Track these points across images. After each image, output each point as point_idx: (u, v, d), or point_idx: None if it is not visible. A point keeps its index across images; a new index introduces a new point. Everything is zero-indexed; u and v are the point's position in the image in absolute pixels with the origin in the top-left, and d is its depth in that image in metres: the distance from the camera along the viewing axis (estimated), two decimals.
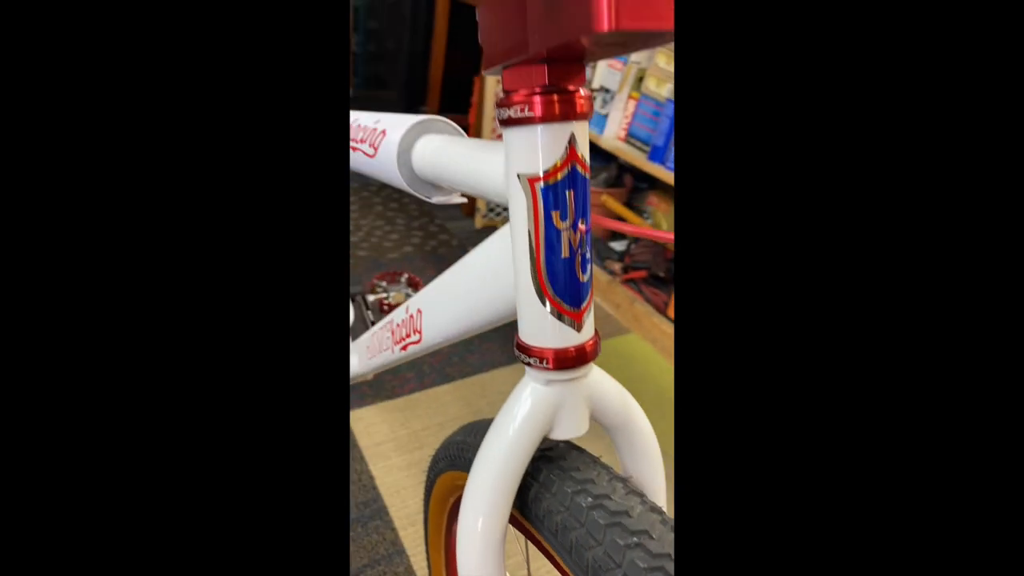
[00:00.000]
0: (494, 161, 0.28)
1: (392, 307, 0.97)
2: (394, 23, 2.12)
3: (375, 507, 0.90)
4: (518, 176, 0.25)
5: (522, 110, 0.24)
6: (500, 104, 0.25)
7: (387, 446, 1.02)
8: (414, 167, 0.37)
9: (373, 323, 0.92)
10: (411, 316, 0.48)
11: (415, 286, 1.01)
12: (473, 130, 1.80)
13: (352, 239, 1.70)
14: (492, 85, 1.64)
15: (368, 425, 1.06)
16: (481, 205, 1.75)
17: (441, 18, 1.88)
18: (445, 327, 0.41)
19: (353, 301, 0.96)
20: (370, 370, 0.65)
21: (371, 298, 0.96)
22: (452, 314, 0.39)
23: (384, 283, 0.99)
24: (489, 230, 1.76)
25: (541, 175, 0.25)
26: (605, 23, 0.17)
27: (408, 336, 0.49)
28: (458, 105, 2.05)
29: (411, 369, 1.20)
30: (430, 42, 1.95)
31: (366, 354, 0.64)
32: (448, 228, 1.77)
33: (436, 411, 1.12)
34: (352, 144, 0.44)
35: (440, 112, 2.11)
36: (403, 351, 0.51)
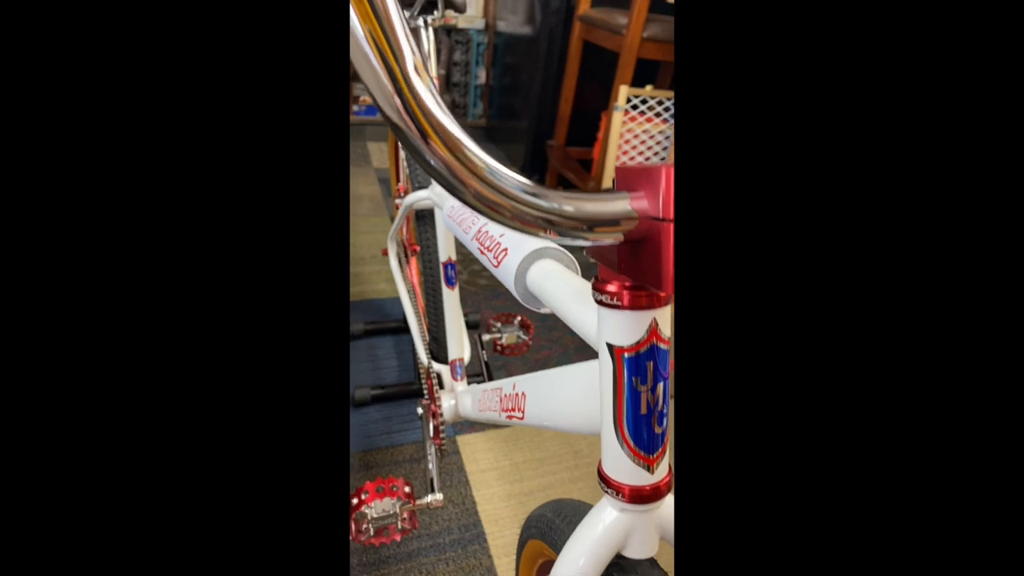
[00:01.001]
0: (592, 311, 0.34)
1: (505, 348, 1.05)
2: (529, 59, 2.23)
3: (475, 532, 0.98)
4: (607, 344, 0.30)
5: (612, 299, 0.29)
6: (595, 287, 0.30)
7: (490, 474, 1.11)
8: (528, 286, 0.43)
9: (487, 364, 1.01)
10: (517, 395, 0.54)
11: (527, 328, 1.08)
12: (596, 165, 1.84)
13: (475, 267, 1.84)
14: (618, 124, 1.68)
15: (475, 451, 1.15)
16: None
17: (574, 56, 1.95)
18: (543, 419, 0.47)
19: (469, 337, 1.05)
20: (478, 419, 0.73)
21: (486, 337, 1.05)
22: (550, 411, 0.45)
23: (499, 324, 1.07)
24: None
25: (625, 348, 0.30)
26: (668, 289, 0.22)
27: (513, 410, 0.55)
28: (584, 138, 2.11)
29: None
30: (562, 78, 2.03)
31: (478, 404, 0.72)
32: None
33: (537, 446, 1.18)
34: (481, 249, 0.52)
35: (566, 144, 2.19)
36: (507, 419, 0.58)
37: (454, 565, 0.93)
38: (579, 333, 0.36)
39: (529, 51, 2.23)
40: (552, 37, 2.04)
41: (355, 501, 0.71)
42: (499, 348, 1.05)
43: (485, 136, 2.87)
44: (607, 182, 1.72)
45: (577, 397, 0.39)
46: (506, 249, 0.46)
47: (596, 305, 0.31)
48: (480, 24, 2.45)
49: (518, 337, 1.07)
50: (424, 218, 0.94)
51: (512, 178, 0.22)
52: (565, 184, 2.25)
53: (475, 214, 0.61)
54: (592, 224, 0.22)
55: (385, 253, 1.24)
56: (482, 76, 2.54)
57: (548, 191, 0.22)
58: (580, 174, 1.96)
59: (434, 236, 0.92)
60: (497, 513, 1.02)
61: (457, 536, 0.97)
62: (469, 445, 1.17)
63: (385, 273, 1.63)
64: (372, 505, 0.71)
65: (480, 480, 1.09)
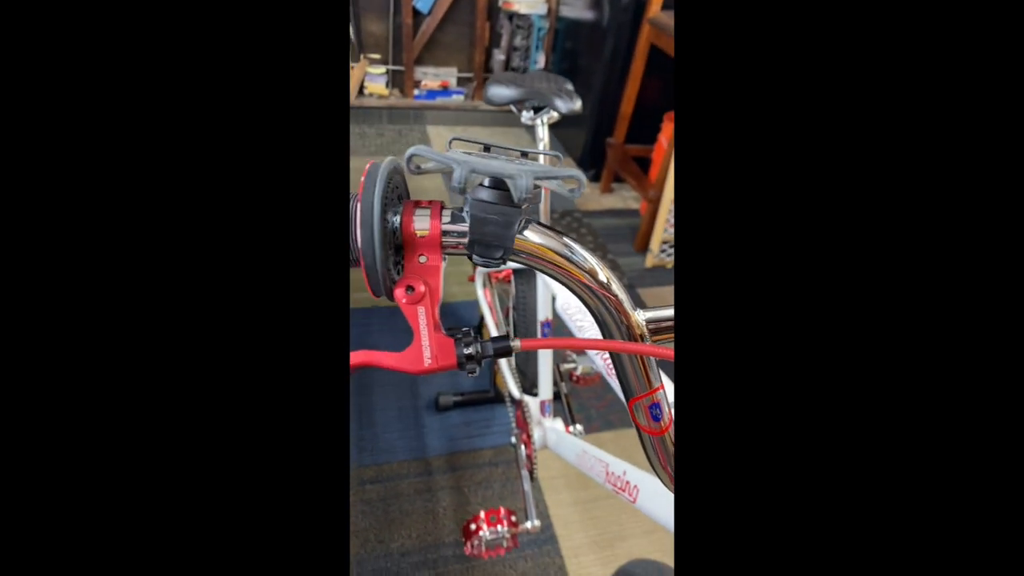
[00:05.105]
0: None
1: (580, 379, 1.18)
2: (591, 45, 2.23)
3: (548, 534, 1.15)
4: None
5: None
6: None
7: (559, 481, 1.27)
8: None
9: (567, 397, 1.14)
10: (628, 482, 0.67)
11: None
12: (659, 169, 1.89)
13: None
14: None
15: (546, 458, 1.31)
16: (654, 246, 1.86)
17: (640, 58, 1.95)
18: (661, 520, 0.60)
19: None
20: (567, 461, 0.87)
21: (564, 367, 1.18)
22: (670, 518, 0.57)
23: (575, 355, 1.20)
24: (658, 270, 1.88)
25: None
26: None
27: (622, 491, 0.68)
28: (644, 136, 2.14)
29: (580, 411, 1.42)
30: (626, 78, 2.04)
31: (574, 457, 0.85)
32: (620, 264, 1.93)
33: None
34: (608, 370, 0.64)
35: (625, 143, 2.21)
36: (614, 492, 0.71)
37: (532, 563, 1.10)
38: None
39: (591, 38, 2.22)
40: (619, 34, 2.03)
41: (473, 526, 0.88)
42: (575, 379, 1.18)
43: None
44: (668, 191, 1.77)
45: None
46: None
47: None
48: (542, 10, 2.43)
49: (592, 367, 1.19)
50: (523, 273, 1.04)
51: None
52: (622, 184, 2.30)
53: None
54: None
55: (472, 279, 1.35)
56: (541, 61, 2.54)
57: None
58: (639, 177, 2.01)
59: (533, 293, 1.01)
60: (567, 518, 1.19)
61: (532, 537, 1.15)
62: (541, 453, 1.32)
63: (457, 275, 1.76)
64: (485, 530, 0.88)
65: (550, 486, 1.25)
